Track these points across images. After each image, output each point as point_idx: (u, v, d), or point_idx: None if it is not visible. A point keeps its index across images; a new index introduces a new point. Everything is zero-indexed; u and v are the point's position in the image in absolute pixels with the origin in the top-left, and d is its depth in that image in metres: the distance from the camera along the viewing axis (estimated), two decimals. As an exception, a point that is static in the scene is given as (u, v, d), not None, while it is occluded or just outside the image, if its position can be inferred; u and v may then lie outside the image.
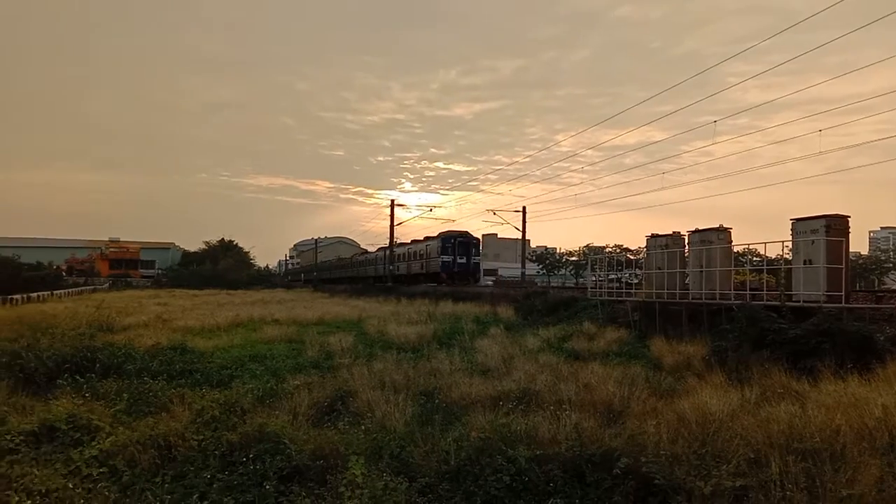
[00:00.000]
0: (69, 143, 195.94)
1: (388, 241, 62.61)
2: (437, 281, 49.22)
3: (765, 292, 17.19)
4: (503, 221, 60.37)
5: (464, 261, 49.55)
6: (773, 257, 37.32)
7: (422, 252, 54.13)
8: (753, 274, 24.42)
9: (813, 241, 15.26)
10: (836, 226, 15.22)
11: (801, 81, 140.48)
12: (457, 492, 6.42)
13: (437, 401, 10.24)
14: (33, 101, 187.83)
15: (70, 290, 54.94)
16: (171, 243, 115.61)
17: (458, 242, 50.13)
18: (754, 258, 33.25)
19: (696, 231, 19.40)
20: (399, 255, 60.04)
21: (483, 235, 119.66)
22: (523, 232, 59.41)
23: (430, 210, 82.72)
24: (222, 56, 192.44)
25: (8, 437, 7.45)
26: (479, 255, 52.12)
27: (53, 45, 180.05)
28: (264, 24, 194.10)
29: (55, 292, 48.25)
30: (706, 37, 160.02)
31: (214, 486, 6.53)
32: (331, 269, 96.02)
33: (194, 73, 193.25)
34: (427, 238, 55.30)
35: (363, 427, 8.27)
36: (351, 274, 79.89)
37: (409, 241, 61.45)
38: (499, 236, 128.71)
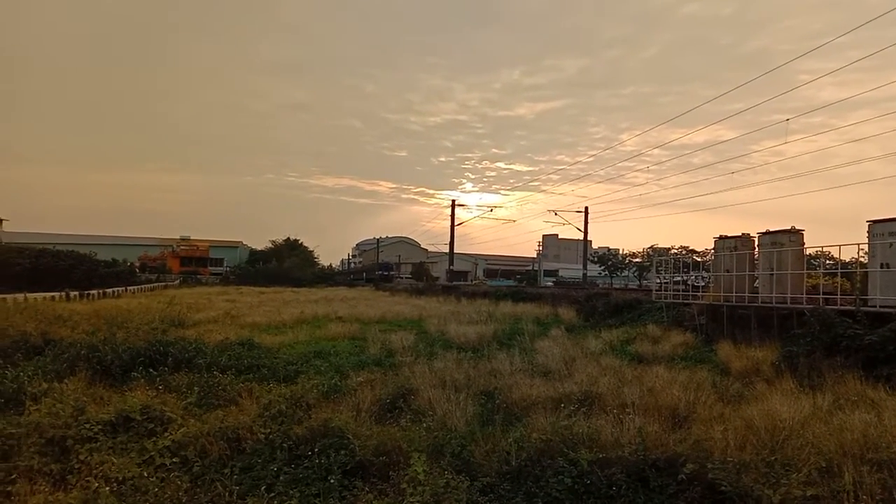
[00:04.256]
0: (160, 146, 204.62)
1: (448, 241, 71.73)
2: (373, 282, 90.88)
3: (838, 297, 16.55)
4: (564, 222, 60.58)
5: (386, 273, 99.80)
6: (848, 260, 35.80)
7: (372, 267, 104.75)
8: (826, 277, 23.52)
9: (891, 244, 14.61)
10: (917, 228, 14.54)
11: (879, 79, 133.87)
12: (517, 492, 6.41)
13: (497, 401, 10.20)
14: (130, 107, 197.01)
15: (143, 286, 56.98)
16: (239, 242, 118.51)
17: (382, 265, 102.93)
18: (827, 261, 32.03)
19: (767, 233, 18.83)
20: (365, 268, 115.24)
21: (544, 236, 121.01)
22: (585, 232, 58.89)
23: (491, 210, 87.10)
24: (295, 59, 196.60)
25: (87, 426, 7.80)
26: (392, 271, 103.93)
27: (145, 54, 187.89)
28: (336, 27, 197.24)
29: (129, 288, 50.15)
30: (778, 33, 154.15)
31: (281, 478, 6.69)
32: (363, 270, 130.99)
33: (268, 77, 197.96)
34: (373, 263, 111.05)
35: (425, 425, 8.31)
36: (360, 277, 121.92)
37: (371, 263, 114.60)
38: (560, 237, 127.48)
